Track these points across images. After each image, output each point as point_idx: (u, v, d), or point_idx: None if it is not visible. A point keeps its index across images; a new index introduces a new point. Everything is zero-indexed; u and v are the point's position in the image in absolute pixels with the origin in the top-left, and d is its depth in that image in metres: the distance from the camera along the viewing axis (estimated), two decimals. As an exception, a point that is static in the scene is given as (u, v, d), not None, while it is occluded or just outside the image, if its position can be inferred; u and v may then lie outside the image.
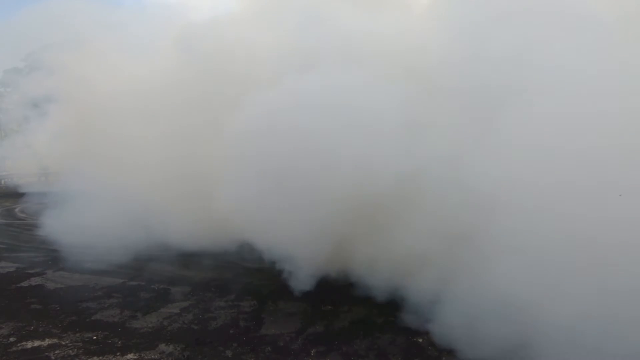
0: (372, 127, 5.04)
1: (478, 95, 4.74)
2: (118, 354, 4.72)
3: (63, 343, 4.98)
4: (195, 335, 5.12)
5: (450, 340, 4.41)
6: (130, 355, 4.68)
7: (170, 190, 7.92)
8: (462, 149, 4.62)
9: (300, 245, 5.56)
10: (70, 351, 4.79)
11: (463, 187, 4.43)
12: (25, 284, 7.13)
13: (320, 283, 6.12)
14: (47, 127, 11.53)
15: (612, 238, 3.42)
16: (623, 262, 3.39)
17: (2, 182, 21.61)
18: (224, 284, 6.80)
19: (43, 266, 7.96)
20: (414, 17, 6.54)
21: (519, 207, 3.97)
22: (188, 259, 7.99)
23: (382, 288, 5.60)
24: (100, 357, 4.66)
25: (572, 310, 3.51)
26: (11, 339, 5.09)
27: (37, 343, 4.99)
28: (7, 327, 5.40)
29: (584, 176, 3.65)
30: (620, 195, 3.37)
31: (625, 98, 3.70)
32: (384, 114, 5.11)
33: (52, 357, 4.67)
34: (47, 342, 5.02)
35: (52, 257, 8.35)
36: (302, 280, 6.02)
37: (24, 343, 5.00)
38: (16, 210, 14.64)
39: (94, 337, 5.11)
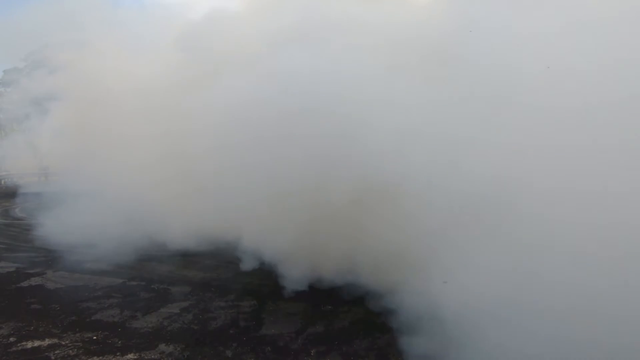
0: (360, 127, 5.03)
1: (470, 89, 4.70)
2: (118, 354, 4.72)
3: (63, 343, 4.98)
4: (195, 335, 5.13)
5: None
6: (130, 355, 4.68)
7: (171, 190, 7.91)
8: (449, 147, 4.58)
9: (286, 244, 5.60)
10: (70, 351, 4.79)
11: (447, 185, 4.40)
12: (25, 284, 7.13)
13: (319, 283, 6.12)
14: (47, 126, 11.53)
15: (594, 238, 3.39)
16: (612, 263, 3.37)
17: (2, 182, 21.62)
18: (224, 284, 6.80)
19: (43, 266, 7.96)
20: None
21: (503, 205, 3.95)
22: (188, 259, 7.99)
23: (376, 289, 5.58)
24: (100, 357, 4.66)
25: (548, 309, 3.49)
26: (11, 339, 5.08)
27: (37, 343, 4.99)
28: (7, 327, 5.40)
29: (567, 176, 3.64)
30: None
31: (611, 90, 3.68)
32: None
33: (52, 357, 4.67)
34: (47, 342, 5.02)
35: (52, 257, 8.35)
36: (295, 281, 6.05)
37: (24, 343, 5.00)
38: (16, 210, 14.64)
39: (94, 337, 5.11)
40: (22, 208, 14.53)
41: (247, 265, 6.97)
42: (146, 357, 4.64)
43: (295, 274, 6.05)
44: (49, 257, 8.41)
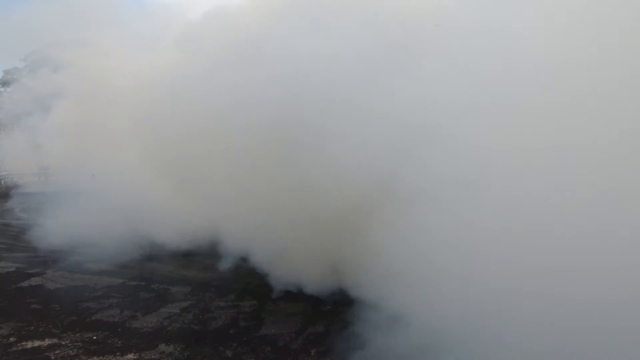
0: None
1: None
2: (118, 354, 4.72)
3: (63, 343, 4.98)
4: (195, 335, 5.13)
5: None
6: (130, 355, 4.68)
7: (171, 190, 7.91)
8: None
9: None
10: (70, 351, 4.79)
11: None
12: (25, 284, 7.13)
13: (320, 283, 6.11)
14: (47, 126, 11.53)
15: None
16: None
17: (2, 182, 21.60)
18: (224, 284, 6.80)
19: (43, 266, 7.96)
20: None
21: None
22: (188, 259, 7.99)
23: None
24: (100, 357, 4.66)
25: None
26: (11, 339, 5.09)
27: (37, 343, 4.99)
28: (7, 327, 5.40)
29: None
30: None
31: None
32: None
33: (52, 357, 4.68)
34: (47, 342, 5.02)
35: (52, 257, 8.35)
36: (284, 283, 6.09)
37: (24, 343, 5.00)
38: (16, 210, 14.63)
39: (94, 337, 5.11)
40: (22, 208, 14.52)
41: (226, 264, 7.04)
42: (146, 357, 4.64)
43: (283, 277, 6.05)
44: (49, 257, 8.41)
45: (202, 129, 6.49)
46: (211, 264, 7.65)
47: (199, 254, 7.98)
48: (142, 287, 6.76)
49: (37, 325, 5.45)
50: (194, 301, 6.15)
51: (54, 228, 8.92)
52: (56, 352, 4.78)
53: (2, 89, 25.49)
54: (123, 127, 8.66)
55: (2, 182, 21.70)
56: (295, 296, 6.03)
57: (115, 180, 8.75)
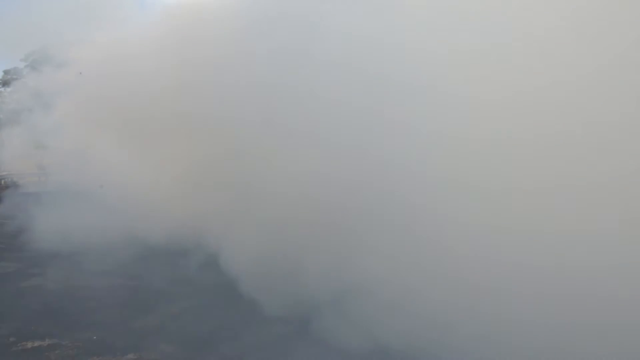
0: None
1: None
2: (118, 354, 4.72)
3: (63, 343, 4.97)
4: (195, 335, 5.12)
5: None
6: (130, 355, 4.67)
7: (171, 190, 7.91)
8: None
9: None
10: (70, 351, 4.79)
11: None
12: (25, 284, 7.12)
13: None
14: (47, 126, 11.52)
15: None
16: None
17: (2, 181, 21.61)
18: (224, 283, 6.79)
19: (43, 266, 7.95)
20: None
21: None
22: (188, 258, 7.98)
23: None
24: (100, 357, 4.66)
25: None
26: (11, 339, 5.08)
27: (37, 343, 4.99)
28: (7, 327, 5.39)
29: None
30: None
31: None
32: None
33: (52, 357, 4.67)
34: (47, 342, 5.01)
35: (52, 257, 8.34)
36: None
37: (24, 343, 4.99)
38: (16, 210, 14.61)
39: (94, 337, 5.11)
40: (22, 208, 14.51)
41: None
42: (146, 357, 4.64)
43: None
44: (49, 257, 8.40)
45: (202, 129, 6.51)
46: (211, 264, 7.64)
47: (199, 254, 7.97)
48: (142, 287, 6.75)
49: (37, 325, 5.45)
50: (194, 301, 6.15)
51: (54, 228, 8.91)
52: (56, 352, 4.77)
53: (2, 89, 25.48)
54: (123, 126, 8.66)
55: (2, 181, 21.70)
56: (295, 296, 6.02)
57: (115, 180, 8.74)
